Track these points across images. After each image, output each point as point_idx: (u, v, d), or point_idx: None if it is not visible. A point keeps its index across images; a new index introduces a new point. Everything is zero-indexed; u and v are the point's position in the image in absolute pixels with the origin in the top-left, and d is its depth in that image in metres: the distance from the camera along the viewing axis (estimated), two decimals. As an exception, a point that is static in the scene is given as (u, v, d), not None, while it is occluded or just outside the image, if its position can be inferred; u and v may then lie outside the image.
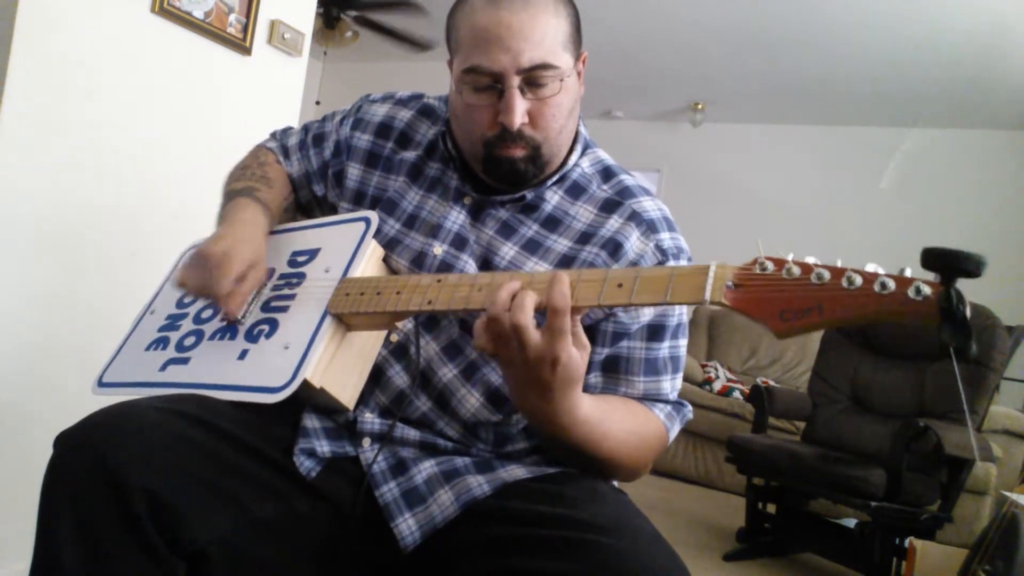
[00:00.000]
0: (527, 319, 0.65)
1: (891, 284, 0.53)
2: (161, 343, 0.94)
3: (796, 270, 0.57)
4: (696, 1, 3.88)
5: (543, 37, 0.80)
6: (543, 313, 0.67)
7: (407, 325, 0.87)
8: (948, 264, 0.52)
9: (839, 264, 0.57)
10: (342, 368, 0.82)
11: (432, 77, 4.35)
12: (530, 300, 0.66)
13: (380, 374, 0.87)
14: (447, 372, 0.85)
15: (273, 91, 1.91)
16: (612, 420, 0.79)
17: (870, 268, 0.55)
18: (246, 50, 1.80)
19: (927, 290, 0.52)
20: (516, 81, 0.81)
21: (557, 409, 0.70)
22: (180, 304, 0.99)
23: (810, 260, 0.58)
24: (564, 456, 0.81)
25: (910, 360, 2.71)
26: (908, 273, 0.54)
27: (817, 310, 0.55)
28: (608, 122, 6.12)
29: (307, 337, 0.80)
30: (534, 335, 0.66)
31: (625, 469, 0.83)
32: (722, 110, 5.54)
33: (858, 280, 0.54)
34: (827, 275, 0.56)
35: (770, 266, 0.59)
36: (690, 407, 0.91)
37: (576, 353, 0.67)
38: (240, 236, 0.88)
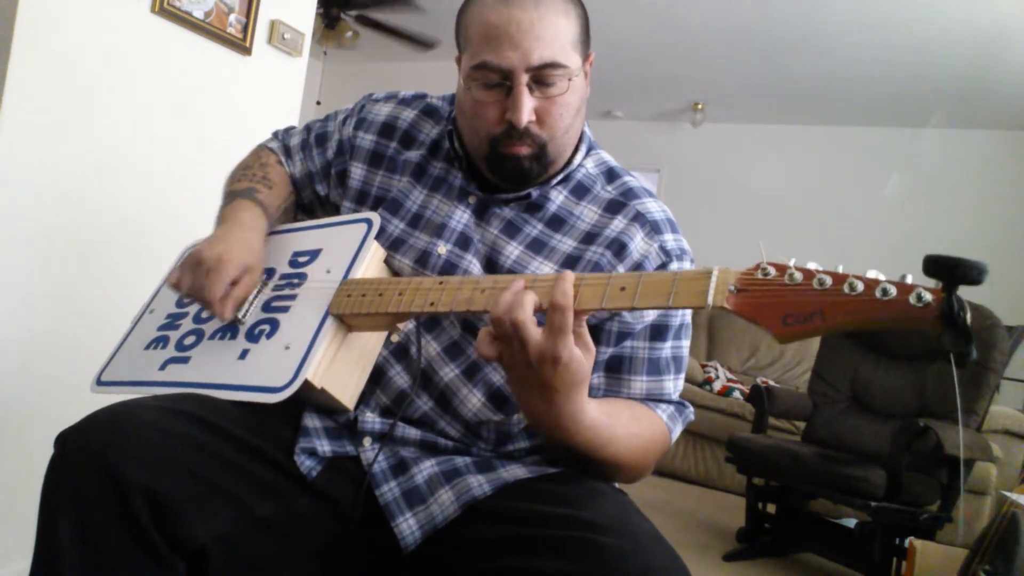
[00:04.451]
0: (526, 315, 0.65)
1: (892, 290, 0.53)
2: (161, 342, 0.94)
3: (798, 275, 0.57)
4: (696, 2, 3.88)
5: (553, 36, 0.80)
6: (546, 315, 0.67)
7: (408, 325, 0.87)
8: (949, 272, 0.52)
9: (841, 270, 0.57)
10: (343, 369, 0.82)
11: (432, 77, 4.34)
12: (530, 299, 0.66)
13: (381, 374, 0.87)
14: (448, 372, 0.85)
15: (273, 91, 1.91)
16: (616, 425, 0.78)
17: (871, 274, 0.55)
18: (246, 50, 1.80)
19: (928, 297, 0.52)
20: (525, 79, 0.81)
21: (560, 412, 0.70)
22: (180, 303, 0.99)
23: (812, 266, 0.58)
24: (566, 458, 0.81)
25: (910, 360, 2.71)
26: (909, 279, 0.54)
27: (819, 315, 0.56)
28: (608, 122, 6.12)
29: (308, 338, 0.80)
30: (534, 332, 0.66)
31: (628, 472, 0.83)
32: (722, 110, 5.54)
33: (859, 286, 0.54)
34: (829, 280, 0.56)
35: (772, 271, 0.59)
36: (692, 409, 0.91)
37: (579, 354, 0.67)
38: (237, 239, 0.88)
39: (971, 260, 0.51)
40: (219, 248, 0.85)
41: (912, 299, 0.53)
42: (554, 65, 0.81)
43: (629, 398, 0.86)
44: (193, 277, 0.85)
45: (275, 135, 1.12)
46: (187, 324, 0.94)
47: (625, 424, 0.80)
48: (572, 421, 0.71)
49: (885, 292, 0.53)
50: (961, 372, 2.41)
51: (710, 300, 0.60)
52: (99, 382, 0.95)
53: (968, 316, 0.51)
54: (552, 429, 0.72)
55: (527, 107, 0.81)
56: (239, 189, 0.98)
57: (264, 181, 1.01)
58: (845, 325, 0.55)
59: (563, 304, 0.65)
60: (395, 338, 0.88)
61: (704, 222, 5.38)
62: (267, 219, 0.96)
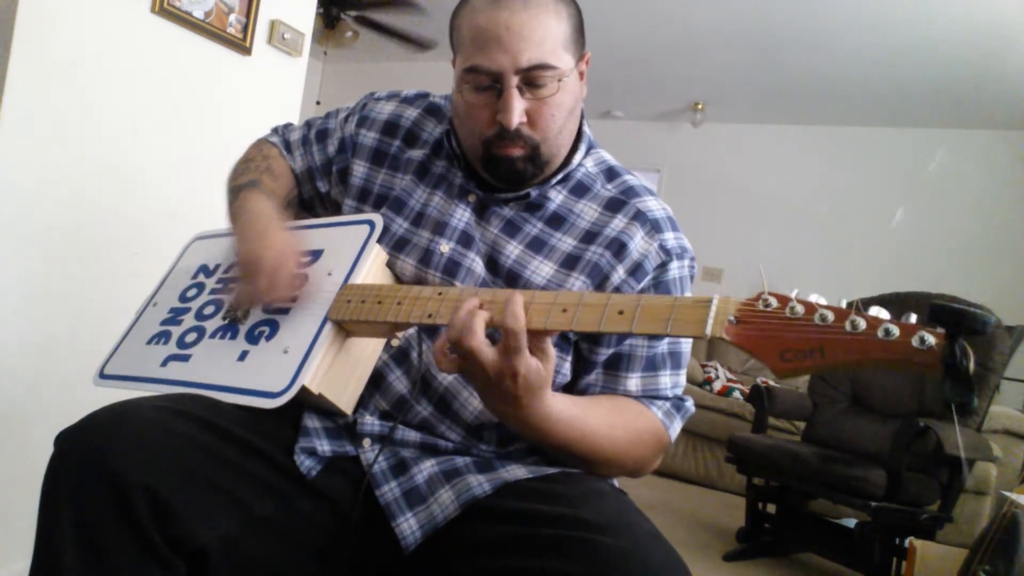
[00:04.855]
0: (477, 342, 0.67)
1: (895, 331, 0.52)
2: (163, 337, 0.94)
3: (799, 309, 0.57)
4: (696, 2, 3.88)
5: (543, 38, 0.80)
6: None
7: (409, 330, 0.87)
8: (955, 320, 0.51)
9: (843, 304, 0.56)
10: (341, 374, 0.82)
11: (432, 77, 4.35)
12: (479, 323, 0.67)
13: (380, 379, 0.87)
14: (448, 376, 0.85)
15: (273, 91, 1.91)
16: (591, 416, 0.79)
17: (873, 311, 0.54)
18: (246, 50, 1.80)
19: (931, 340, 0.52)
20: (515, 81, 0.81)
21: (527, 413, 0.71)
22: (183, 298, 0.99)
23: (814, 298, 0.57)
24: (554, 453, 0.82)
25: (910, 360, 2.70)
26: (913, 319, 0.53)
27: (819, 352, 0.55)
28: (608, 122, 6.12)
29: (307, 342, 0.80)
30: (488, 355, 0.67)
31: (615, 464, 0.83)
32: (722, 110, 5.54)
33: (861, 324, 0.54)
34: (831, 316, 0.55)
35: (773, 302, 0.58)
36: (691, 401, 0.91)
37: (535, 362, 0.68)
38: (261, 231, 0.87)
39: (976, 310, 0.51)
40: (253, 248, 0.84)
41: (915, 341, 0.52)
42: (544, 66, 0.81)
43: (626, 395, 0.87)
44: (247, 283, 0.84)
45: (274, 130, 1.12)
46: (189, 320, 0.94)
47: (602, 416, 0.81)
48: (539, 417, 0.72)
49: (887, 332, 0.53)
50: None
51: (708, 330, 0.60)
52: (101, 375, 0.95)
53: (971, 364, 0.51)
54: (522, 427, 0.73)
55: (517, 109, 0.82)
56: (244, 182, 0.98)
57: (268, 172, 1.01)
58: (845, 364, 0.54)
59: (514, 328, 0.66)
60: (395, 342, 0.88)
61: (704, 222, 5.38)
62: (278, 207, 0.96)
